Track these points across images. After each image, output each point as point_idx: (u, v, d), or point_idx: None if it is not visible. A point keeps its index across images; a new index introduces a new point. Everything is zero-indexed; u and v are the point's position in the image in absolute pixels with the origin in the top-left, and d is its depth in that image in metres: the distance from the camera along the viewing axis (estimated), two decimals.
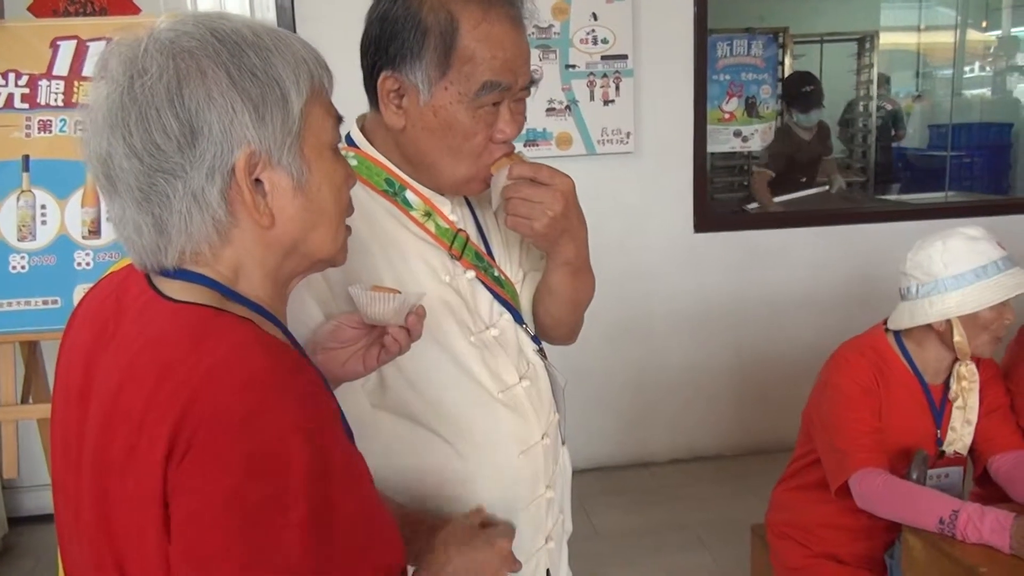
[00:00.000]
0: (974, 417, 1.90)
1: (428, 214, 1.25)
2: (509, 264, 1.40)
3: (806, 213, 4.24)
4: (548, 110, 3.55)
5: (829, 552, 2.00)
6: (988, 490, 1.93)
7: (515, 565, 1.19)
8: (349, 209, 0.96)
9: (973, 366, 1.89)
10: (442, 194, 1.27)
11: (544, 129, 3.56)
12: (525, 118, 1.23)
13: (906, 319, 1.87)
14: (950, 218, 3.93)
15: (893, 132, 6.36)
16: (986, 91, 7.69)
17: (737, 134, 3.79)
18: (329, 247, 0.93)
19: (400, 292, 1.07)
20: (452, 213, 1.28)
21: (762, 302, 3.87)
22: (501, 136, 1.18)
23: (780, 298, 3.88)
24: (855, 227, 3.90)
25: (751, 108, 3.77)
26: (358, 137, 1.25)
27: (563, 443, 1.44)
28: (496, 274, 1.33)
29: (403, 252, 1.22)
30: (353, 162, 1.23)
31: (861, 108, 6.09)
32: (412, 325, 1.07)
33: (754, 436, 3.91)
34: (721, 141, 3.79)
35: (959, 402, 1.88)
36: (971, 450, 1.95)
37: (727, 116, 3.76)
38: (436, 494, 1.24)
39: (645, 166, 3.67)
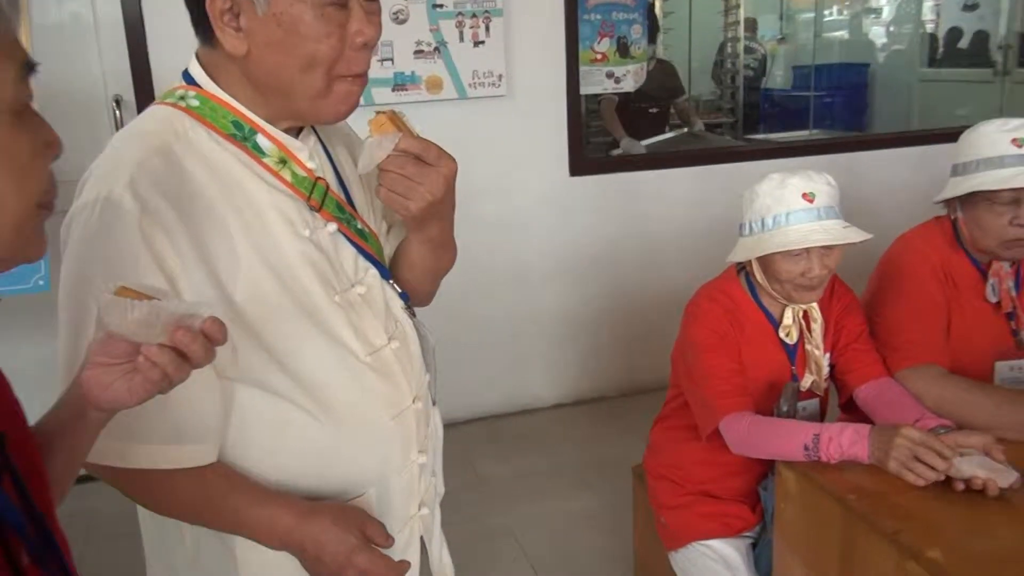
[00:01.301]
0: (822, 355, 1.92)
1: (283, 161, 1.14)
2: (372, 215, 1.31)
3: (680, 154, 4.28)
4: (416, 52, 3.41)
5: (704, 489, 2.03)
6: (854, 416, 1.99)
7: (386, 541, 1.14)
8: (49, 188, 0.74)
9: (813, 306, 1.89)
10: (298, 133, 1.17)
11: (413, 72, 3.42)
12: (381, 26, 1.12)
13: (730, 256, 1.89)
14: (815, 155, 4.06)
15: (762, 72, 6.52)
16: (844, 33, 7.97)
17: (610, 75, 3.75)
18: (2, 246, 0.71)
19: (158, 299, 0.81)
20: (310, 160, 1.18)
21: (639, 243, 3.90)
22: (360, 38, 1.07)
23: (657, 239, 3.91)
24: (727, 166, 3.96)
25: (623, 48, 3.73)
26: (199, 74, 1.12)
27: (434, 404, 1.38)
28: (359, 226, 1.24)
29: (256, 205, 1.11)
30: (195, 102, 1.11)
31: (730, 50, 6.19)
32: (181, 342, 0.81)
33: (635, 376, 3.97)
34: (594, 83, 3.75)
35: (809, 339, 1.91)
36: (836, 379, 1.99)
37: (599, 57, 3.72)
38: (303, 471, 1.16)
39: (518, 109, 3.60)
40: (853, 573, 1.57)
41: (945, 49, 7.45)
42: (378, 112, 1.14)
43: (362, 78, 1.12)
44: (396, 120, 1.14)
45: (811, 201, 1.76)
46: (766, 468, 1.95)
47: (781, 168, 1.88)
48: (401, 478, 1.25)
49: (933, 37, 7.45)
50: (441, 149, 1.16)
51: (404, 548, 1.27)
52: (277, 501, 1.12)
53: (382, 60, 3.36)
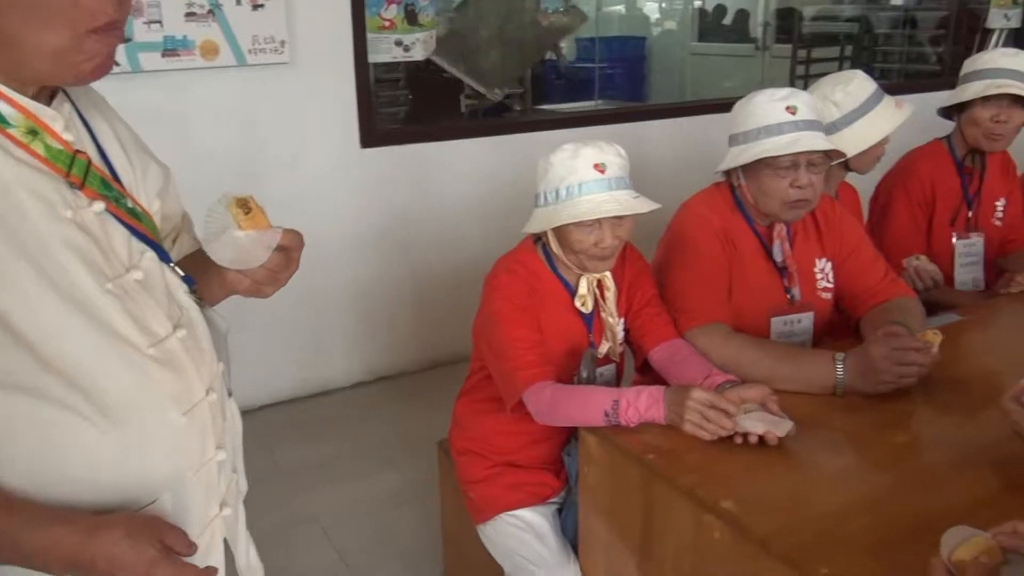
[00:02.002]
0: (617, 322, 1.98)
1: (33, 132, 0.99)
2: (143, 191, 1.18)
3: (472, 124, 4.28)
4: (188, 15, 3.16)
5: (509, 460, 2.03)
6: (648, 377, 2.06)
7: (189, 549, 1.04)
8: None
9: (607, 276, 1.93)
10: (50, 101, 1.02)
11: (185, 37, 3.16)
12: None
13: (526, 227, 1.89)
14: (602, 124, 4.19)
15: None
16: (622, 8, 8.30)
17: (399, 43, 3.65)
18: None
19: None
20: (66, 131, 1.03)
21: (435, 215, 3.86)
22: None
23: (453, 211, 3.89)
24: (519, 136, 3.99)
25: (411, 16, 3.64)
26: None
27: (230, 395, 1.27)
28: (131, 205, 1.11)
29: (2, 185, 0.96)
30: None
31: (516, 21, 6.23)
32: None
33: (437, 350, 3.95)
34: (382, 51, 3.63)
35: (604, 307, 1.96)
36: (631, 343, 2.05)
37: (387, 24, 3.61)
38: (84, 482, 1.03)
39: (304, 78, 3.43)
40: (654, 528, 1.62)
41: (712, 25, 7.95)
42: (237, 198, 1.07)
43: (114, 30, 0.99)
44: (253, 204, 1.07)
45: (603, 172, 1.78)
46: (569, 434, 1.98)
47: (572, 138, 1.89)
48: (198, 478, 1.14)
49: (703, 13, 7.92)
50: (297, 232, 1.13)
51: (206, 552, 1.17)
52: (58, 519, 0.98)
53: (149, 22, 3.08)
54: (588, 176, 1.78)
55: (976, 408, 1.82)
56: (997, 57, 2.53)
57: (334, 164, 3.59)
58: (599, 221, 1.78)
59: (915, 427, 1.79)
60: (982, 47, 5.15)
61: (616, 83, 7.06)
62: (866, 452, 1.66)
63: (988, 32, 5.15)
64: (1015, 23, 5.14)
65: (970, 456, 1.60)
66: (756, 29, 7.41)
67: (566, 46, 7.29)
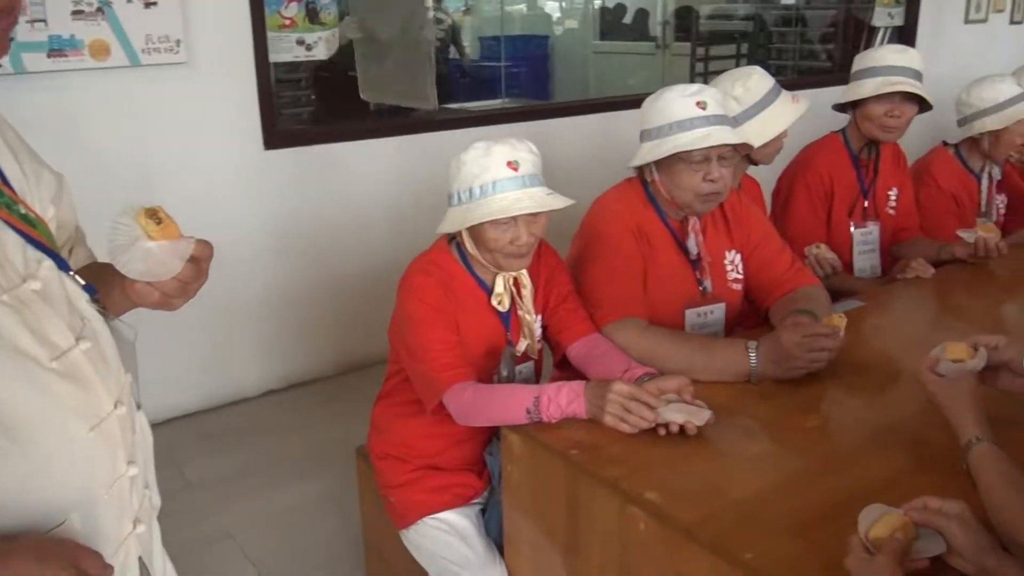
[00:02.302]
0: (534, 319, 1.98)
1: None
2: (37, 198, 1.11)
3: (379, 124, 4.22)
4: (75, 13, 3.00)
5: (431, 463, 2.00)
6: (567, 373, 2.06)
7: (104, 571, 0.99)
8: None
9: (524, 274, 1.93)
10: None
11: (72, 36, 3.01)
12: None
13: (440, 227, 1.88)
14: (509, 123, 4.19)
15: (452, 45, 6.62)
16: (524, 7, 8.35)
17: (300, 42, 3.57)
18: None
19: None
20: None
21: (345, 217, 3.79)
22: None
23: (362, 212, 3.82)
24: (427, 136, 3.96)
25: (312, 14, 3.56)
26: None
27: (139, 407, 1.21)
28: (23, 212, 1.04)
29: None
30: None
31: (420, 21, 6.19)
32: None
33: (351, 354, 3.88)
34: (284, 50, 3.54)
35: (521, 305, 1.95)
36: (548, 339, 2.05)
37: (288, 22, 3.52)
38: None
39: (202, 78, 3.31)
40: (580, 523, 1.63)
41: (613, 24, 8.08)
42: (145, 208, 1.03)
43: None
44: (163, 213, 1.04)
45: (516, 169, 1.77)
46: (491, 434, 1.97)
47: (480, 137, 1.88)
48: (110, 495, 1.09)
49: (604, 12, 8.03)
50: (207, 242, 1.10)
51: (121, 573, 1.12)
52: None
53: (32, 21, 2.92)
54: (502, 174, 1.77)
55: (881, 389, 1.89)
56: (888, 54, 2.63)
57: (236, 167, 3.48)
58: (514, 219, 1.77)
59: (826, 411, 1.85)
60: (868, 44, 5.38)
61: (521, 81, 7.09)
62: (781, 437, 1.70)
63: (874, 30, 5.38)
64: (898, 21, 5.38)
65: (879, 436, 1.66)
66: (656, 28, 7.56)
67: (469, 45, 7.29)
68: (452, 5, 7.81)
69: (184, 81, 3.26)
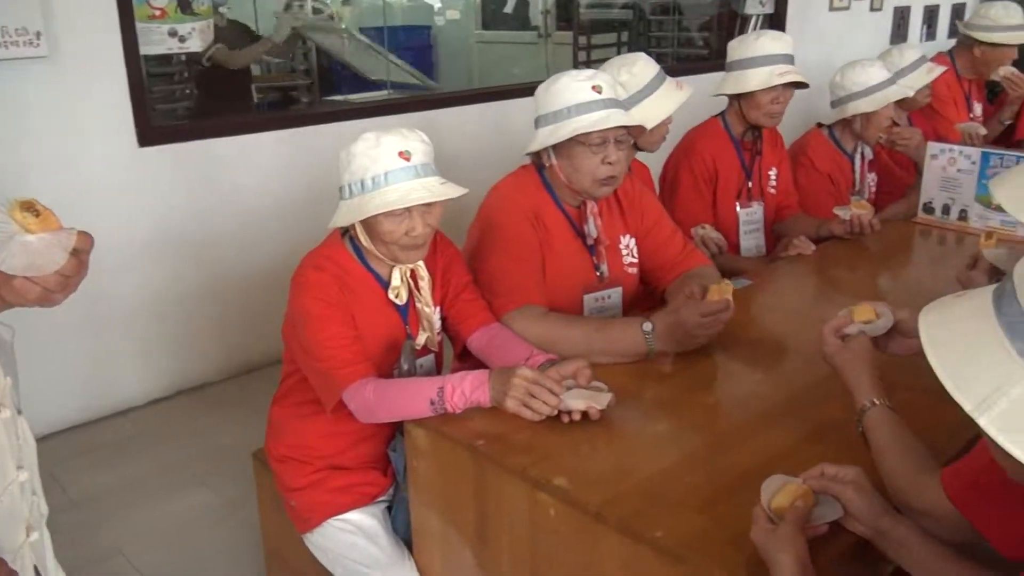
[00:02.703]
0: (433, 311, 1.96)
1: None
2: None
3: (261, 118, 4.09)
4: None
5: (333, 463, 1.96)
6: (467, 364, 2.05)
7: None
8: None
9: (421, 266, 1.90)
10: None
11: None
12: None
13: (332, 221, 1.83)
14: (396, 114, 4.12)
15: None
16: None
17: (173, 34, 3.41)
18: None
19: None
20: None
21: (230, 214, 3.65)
22: None
23: (248, 208, 3.69)
24: (313, 128, 3.85)
25: (184, 4, 3.41)
26: None
27: (20, 412, 1.15)
28: None
29: None
30: None
31: (297, 10, 6.03)
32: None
33: (243, 355, 3.75)
34: (156, 42, 3.38)
35: (419, 297, 1.93)
36: (448, 331, 2.03)
37: (158, 13, 3.35)
38: None
39: (66, 73, 3.11)
40: (489, 514, 1.62)
41: (495, 14, 8.07)
42: (20, 201, 0.98)
43: None
44: (39, 205, 1.00)
45: (408, 159, 1.74)
46: (394, 430, 1.93)
47: (367, 128, 1.83)
48: (3, 503, 1.05)
49: (486, 1, 8.02)
50: (87, 233, 1.05)
51: None
52: None
53: None
54: (394, 164, 1.73)
55: (774, 364, 1.96)
56: (767, 43, 2.72)
57: (109, 166, 3.30)
58: (409, 210, 1.74)
59: (723, 388, 1.90)
60: (742, 32, 5.56)
61: (404, 72, 7.00)
62: (682, 416, 1.73)
63: (746, 18, 5.57)
64: (769, 9, 5.58)
65: (775, 409, 1.72)
66: (537, 17, 7.59)
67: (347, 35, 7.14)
68: None
69: (47, 76, 3.06)
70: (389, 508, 1.99)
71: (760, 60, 2.69)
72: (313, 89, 5.85)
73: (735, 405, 1.79)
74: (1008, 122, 3.94)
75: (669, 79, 2.49)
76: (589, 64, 6.68)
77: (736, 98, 2.78)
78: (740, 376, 1.92)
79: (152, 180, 3.42)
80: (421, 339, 1.95)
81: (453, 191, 1.77)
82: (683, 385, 1.89)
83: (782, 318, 2.26)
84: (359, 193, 1.75)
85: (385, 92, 5.74)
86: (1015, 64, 3.87)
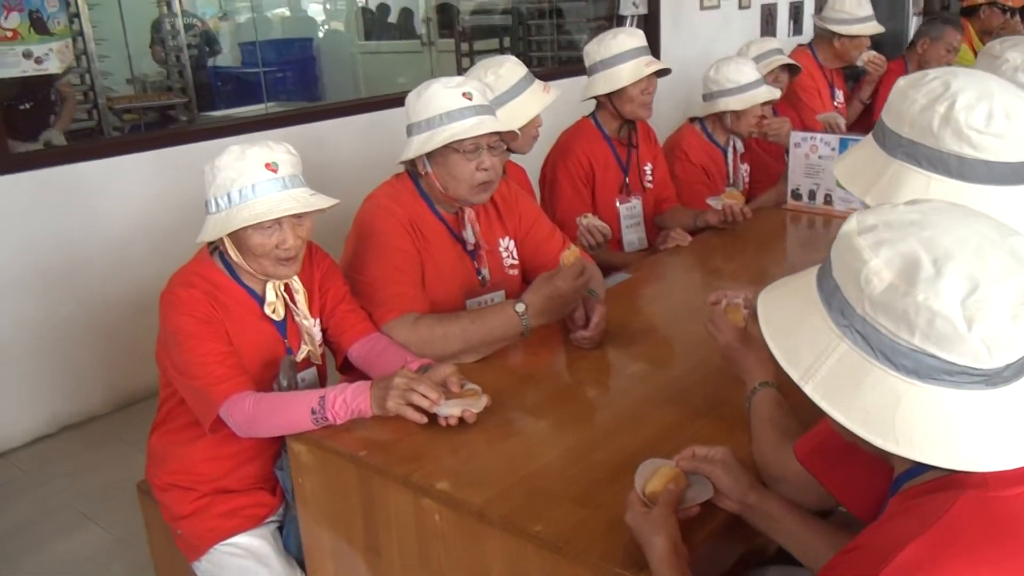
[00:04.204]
0: (312, 324, 1.93)
1: None
2: None
3: (131, 139, 3.95)
4: None
5: (219, 487, 1.91)
6: (350, 376, 2.03)
7: None
8: None
9: (295, 280, 1.87)
10: None
11: None
12: None
13: (200, 235, 1.79)
14: (277, 128, 4.04)
15: (208, 50, 6.31)
16: (284, 10, 8.12)
17: (28, 55, 3.26)
18: None
19: None
20: None
21: (102, 241, 3.51)
22: None
23: (122, 234, 3.55)
24: (189, 147, 3.73)
25: (39, 24, 3.26)
26: None
27: None
28: None
29: None
30: None
31: (168, 27, 5.86)
32: None
33: (127, 386, 3.60)
34: (9, 64, 3.23)
35: (297, 311, 1.90)
36: (329, 343, 2.01)
37: (10, 35, 3.20)
38: None
39: None
40: (378, 524, 1.60)
41: (378, 24, 8.03)
42: None
43: None
44: None
45: (275, 171, 1.72)
46: (279, 447, 1.90)
47: (245, 143, 1.80)
48: None
49: (367, 12, 7.96)
50: None
51: None
52: None
53: None
54: (260, 176, 1.70)
55: (654, 355, 2.00)
56: (626, 39, 2.80)
57: None
58: (279, 222, 1.72)
59: (603, 381, 1.94)
60: None
61: (288, 85, 6.89)
62: (562, 411, 1.75)
63: (622, 19, 5.69)
64: (643, 9, 5.73)
65: (652, 397, 1.76)
66: (421, 26, 7.60)
67: (228, 51, 6.99)
68: (208, 11, 7.46)
69: None
70: (281, 528, 1.95)
71: (624, 56, 2.77)
72: (191, 106, 5.69)
73: (617, 395, 1.83)
74: (867, 101, 4.16)
75: (537, 82, 2.52)
76: None
77: (607, 97, 2.84)
78: (621, 368, 1.96)
79: (14, 210, 3.24)
80: (301, 353, 1.92)
81: (323, 202, 1.76)
82: (564, 381, 1.92)
83: (663, 309, 2.32)
84: (226, 207, 1.72)
85: (264, 106, 5.64)
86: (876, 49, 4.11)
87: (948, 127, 1.22)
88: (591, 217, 2.70)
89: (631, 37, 2.81)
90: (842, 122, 3.74)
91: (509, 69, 2.47)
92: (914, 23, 6.62)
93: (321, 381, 2.01)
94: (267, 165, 1.71)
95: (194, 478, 1.92)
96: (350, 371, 2.03)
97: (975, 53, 4.64)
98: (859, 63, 4.03)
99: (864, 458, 1.23)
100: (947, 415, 0.89)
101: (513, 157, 2.61)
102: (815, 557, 1.31)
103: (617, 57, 2.77)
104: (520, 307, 1.93)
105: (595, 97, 2.89)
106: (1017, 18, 4.84)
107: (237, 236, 1.74)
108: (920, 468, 0.96)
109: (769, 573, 1.57)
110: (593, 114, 2.96)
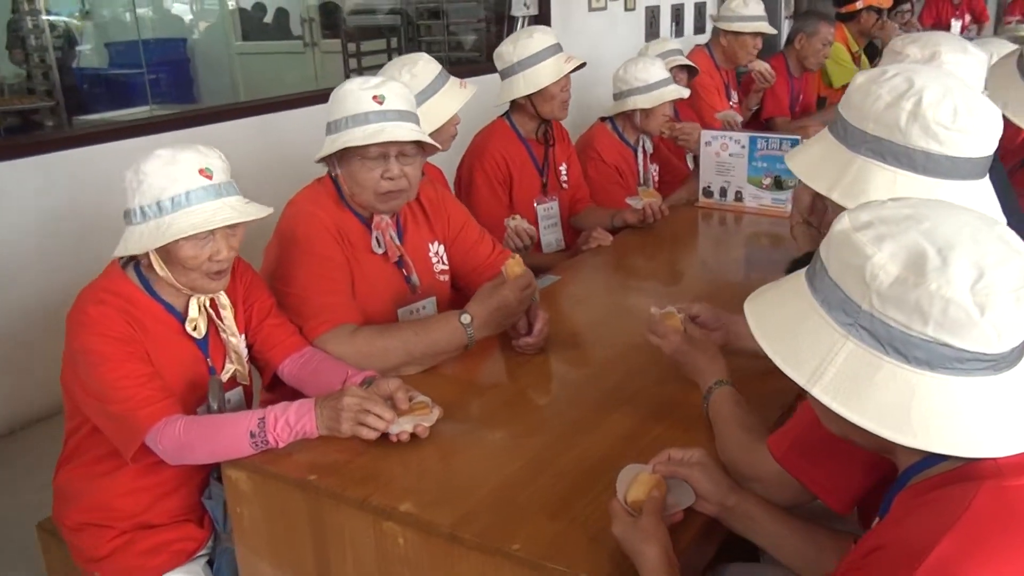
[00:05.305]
0: (239, 341, 1.81)
1: None
2: None
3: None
4: None
5: (141, 522, 1.75)
6: (278, 395, 1.91)
7: None
8: None
9: (222, 295, 1.75)
10: None
11: None
12: None
13: (119, 248, 1.64)
14: (159, 133, 3.80)
15: (73, 51, 5.92)
16: (148, 10, 7.71)
17: None
18: None
19: None
20: None
21: None
22: None
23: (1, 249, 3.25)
24: (67, 153, 3.45)
25: None
26: None
27: None
28: None
29: None
30: None
31: (30, 26, 5.44)
32: None
33: (11, 412, 3.29)
34: None
35: (223, 327, 1.78)
36: (255, 360, 1.88)
37: None
38: None
39: None
40: (331, 553, 1.50)
41: (255, 24, 7.75)
42: None
43: None
44: None
45: (210, 177, 1.60)
46: (206, 475, 1.76)
47: (130, 149, 1.66)
48: None
49: (243, 12, 7.67)
50: None
51: None
52: None
53: None
54: (195, 183, 1.58)
55: (596, 356, 1.98)
56: (542, 37, 2.78)
57: None
58: (212, 232, 1.59)
59: (551, 387, 1.90)
60: (511, 33, 5.68)
61: (162, 87, 6.54)
62: (516, 421, 1.70)
63: (513, 20, 5.68)
64: (533, 10, 5.73)
65: (606, 399, 1.72)
66: (300, 26, 7.36)
67: (93, 51, 6.58)
68: (71, 9, 7.00)
69: None
70: (210, 562, 1.81)
71: (542, 55, 2.75)
72: (59, 111, 5.30)
73: (567, 402, 1.78)
74: (755, 107, 4.30)
75: (453, 79, 2.46)
76: (360, 71, 6.56)
77: (526, 97, 2.80)
78: (566, 373, 1.93)
79: None
80: (228, 372, 1.79)
81: (259, 211, 1.65)
82: (510, 390, 1.86)
83: (594, 309, 2.30)
84: (155, 216, 1.58)
85: (148, 108, 5.33)
86: (760, 54, 4.23)
87: (916, 123, 1.24)
88: (519, 219, 2.65)
89: (545, 35, 2.79)
90: (740, 120, 3.84)
91: (423, 67, 2.39)
92: (786, 26, 6.91)
93: (247, 403, 1.88)
94: (201, 171, 1.59)
95: (112, 514, 1.75)
96: (277, 389, 1.91)
97: (851, 52, 4.87)
98: (750, 67, 4.13)
99: (843, 452, 1.23)
100: (961, 403, 0.89)
101: (431, 158, 2.53)
102: (793, 554, 1.31)
103: (535, 56, 2.73)
104: (465, 318, 1.86)
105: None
106: (887, 18, 5.10)
107: (165, 248, 1.60)
108: (927, 462, 0.96)
109: (730, 571, 1.57)
110: (507, 115, 2.91)
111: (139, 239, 1.58)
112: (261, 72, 7.20)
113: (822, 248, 1.00)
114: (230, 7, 7.76)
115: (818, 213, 1.65)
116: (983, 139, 1.25)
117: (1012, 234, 0.94)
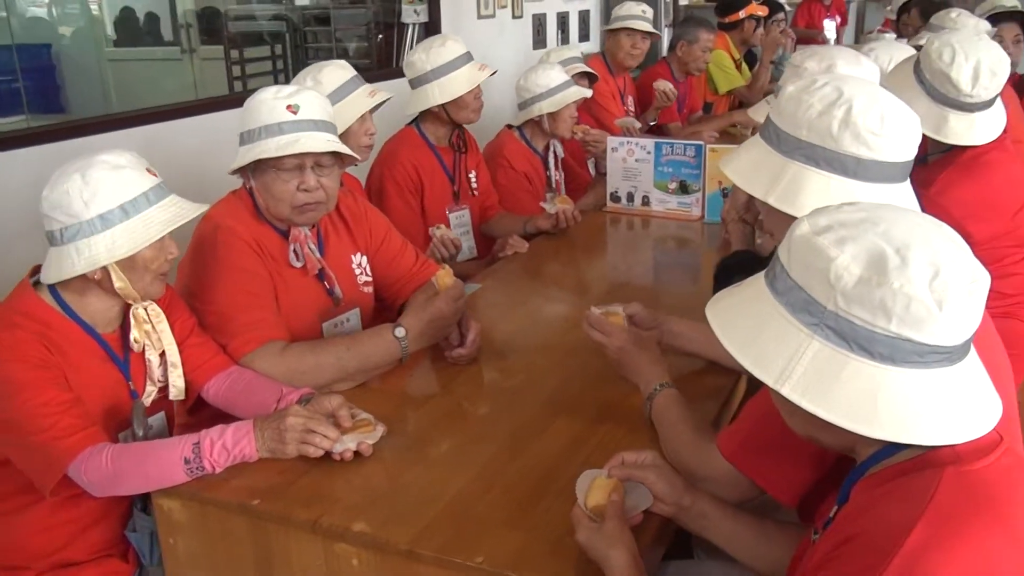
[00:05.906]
0: (176, 357, 1.73)
1: None
2: None
3: None
4: None
5: (57, 561, 1.64)
6: (197, 418, 1.83)
7: None
8: None
9: (152, 303, 1.68)
10: None
11: None
12: None
13: (53, 271, 1.56)
14: (39, 144, 3.57)
15: None
16: (4, 13, 7.25)
17: None
18: None
19: None
20: None
21: None
22: None
23: None
24: None
25: None
26: None
27: None
28: None
29: None
30: None
31: None
32: None
33: None
34: None
35: (151, 345, 1.69)
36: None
37: None
38: None
39: None
40: None
41: (128, 30, 7.40)
42: None
43: None
44: None
45: (156, 176, 1.64)
46: (128, 506, 1.67)
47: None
48: None
49: (117, 16, 7.32)
50: None
51: None
52: None
53: None
54: (146, 184, 1.61)
55: (527, 362, 1.98)
56: (454, 46, 2.79)
57: None
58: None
59: (488, 396, 1.89)
60: (400, 41, 5.62)
61: (27, 96, 6.15)
62: (460, 432, 1.68)
63: (404, 27, 5.63)
64: (424, 18, 5.70)
65: (543, 409, 1.73)
66: (176, 32, 7.08)
67: None
68: None
69: None
70: None
71: (456, 63, 2.75)
72: None
73: (507, 410, 1.77)
74: (653, 123, 4.42)
75: (366, 86, 2.43)
76: (244, 80, 6.37)
77: (441, 105, 2.79)
78: (501, 381, 1.92)
79: None
80: (151, 395, 1.71)
81: (198, 207, 1.67)
82: (447, 402, 1.85)
83: (519, 316, 2.30)
84: (121, 219, 1.55)
85: (23, 118, 5.01)
86: (648, 57, 4.35)
87: (847, 130, 1.30)
88: (444, 229, 2.64)
89: (456, 43, 2.80)
90: (638, 126, 3.94)
91: (330, 73, 2.35)
92: (667, 34, 7.13)
93: (169, 430, 1.79)
94: (148, 170, 1.63)
95: (25, 555, 1.64)
96: (199, 411, 1.83)
97: (733, 59, 5.07)
98: (654, 86, 4.21)
99: (790, 448, 1.28)
100: (923, 395, 0.94)
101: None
102: (746, 548, 1.34)
103: (449, 65, 2.73)
104: (400, 331, 1.83)
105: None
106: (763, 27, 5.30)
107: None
108: (886, 451, 1.01)
109: (670, 570, 1.60)
110: (415, 123, 2.89)
111: (111, 246, 1.52)
112: (135, 80, 6.88)
113: (781, 252, 1.03)
114: (93, 11, 7.39)
115: (753, 211, 1.71)
116: (907, 144, 1.33)
117: (955, 233, 1.00)
